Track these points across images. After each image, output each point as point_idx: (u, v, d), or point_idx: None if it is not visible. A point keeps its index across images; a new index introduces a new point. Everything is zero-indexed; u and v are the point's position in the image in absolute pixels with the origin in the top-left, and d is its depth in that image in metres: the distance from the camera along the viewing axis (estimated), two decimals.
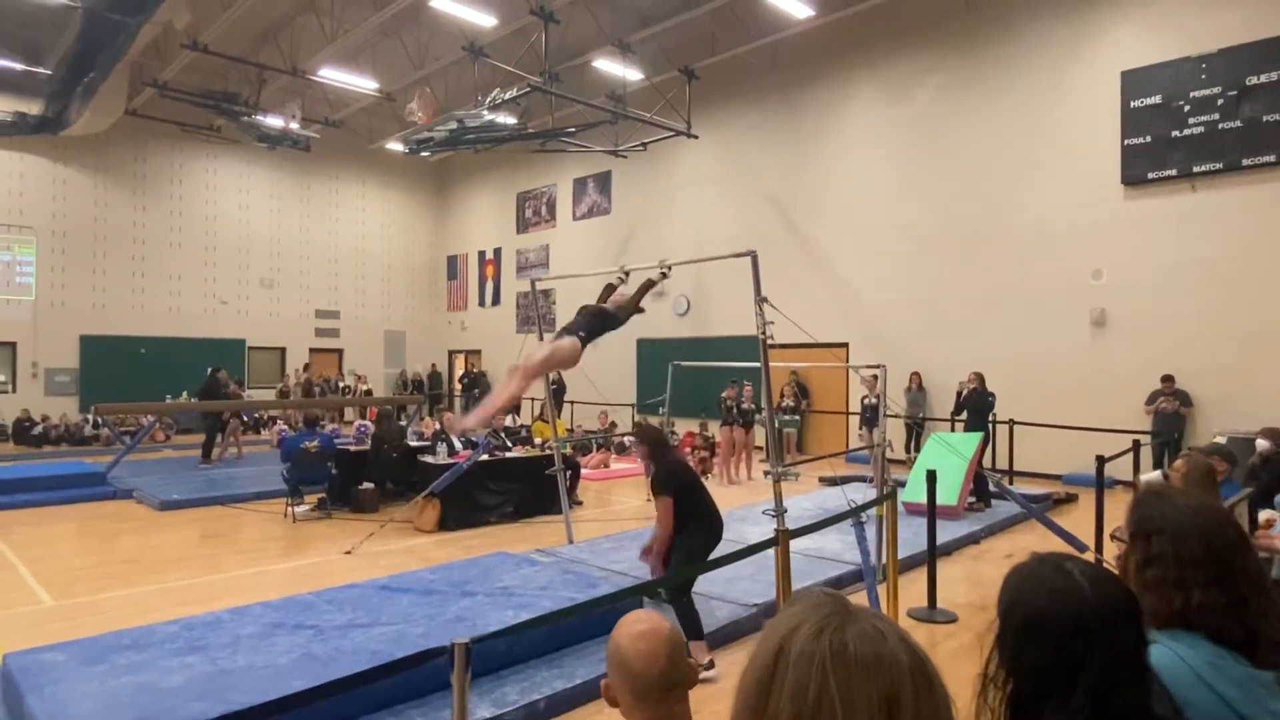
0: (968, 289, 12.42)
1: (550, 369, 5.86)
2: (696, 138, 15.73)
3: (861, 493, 8.33)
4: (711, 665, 4.36)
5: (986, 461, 9.88)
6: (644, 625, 1.44)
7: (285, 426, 15.58)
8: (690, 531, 4.58)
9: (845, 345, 13.62)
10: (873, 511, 5.77)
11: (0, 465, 12.05)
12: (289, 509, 8.86)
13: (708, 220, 16.01)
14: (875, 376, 9.62)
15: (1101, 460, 6.37)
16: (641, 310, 5.97)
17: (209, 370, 13.95)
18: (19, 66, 13.79)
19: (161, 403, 15.87)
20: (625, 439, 14.06)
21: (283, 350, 20.48)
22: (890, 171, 13.45)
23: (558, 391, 14.85)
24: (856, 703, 0.70)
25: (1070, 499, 9.59)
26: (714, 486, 11.22)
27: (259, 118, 16.05)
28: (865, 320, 13.61)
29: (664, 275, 6.38)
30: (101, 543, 7.91)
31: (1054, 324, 11.49)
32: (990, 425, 9.94)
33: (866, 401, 12.19)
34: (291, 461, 9.04)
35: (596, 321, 5.54)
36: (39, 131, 15.90)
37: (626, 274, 6.54)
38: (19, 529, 8.24)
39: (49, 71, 13.99)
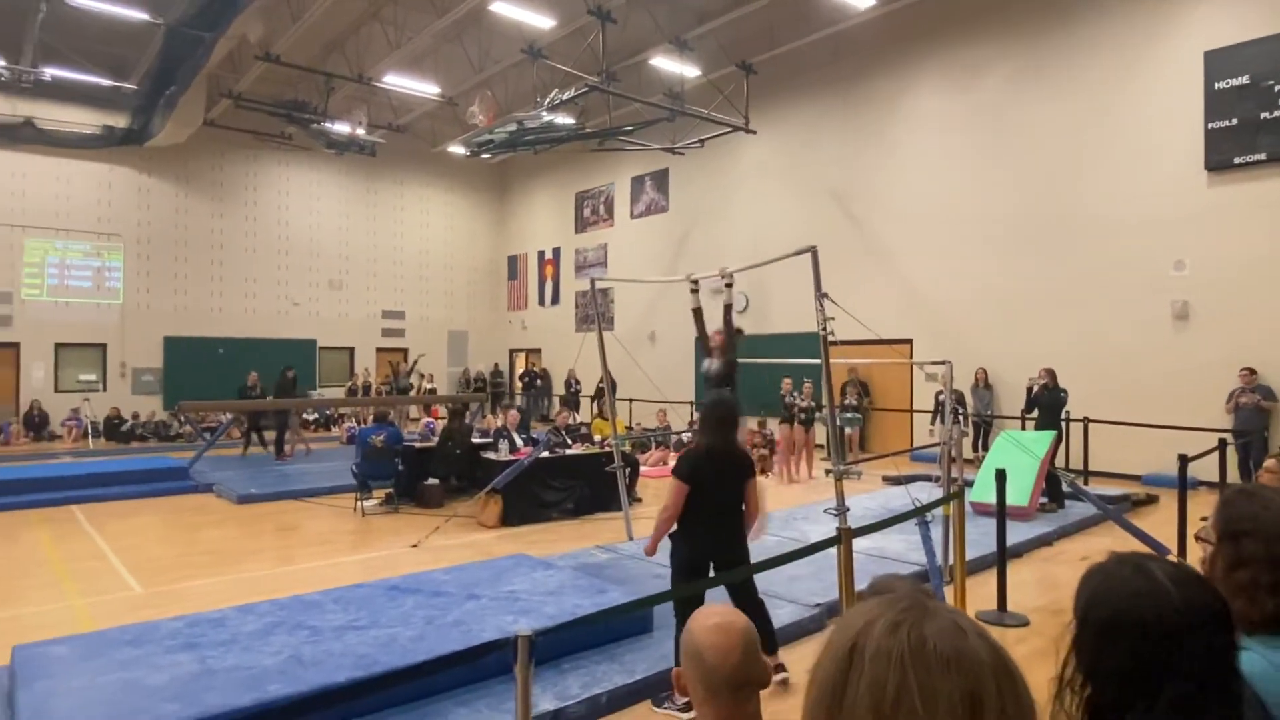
0: (1038, 282, 11.99)
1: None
2: (755, 133, 15.59)
3: (926, 492, 8.14)
4: (689, 707, 3.81)
5: (1059, 461, 9.54)
6: (719, 619, 1.42)
7: (354, 423, 16.08)
8: (682, 538, 4.09)
9: (909, 341, 13.32)
10: (939, 511, 5.63)
11: (93, 460, 12.79)
12: (358, 503, 9.14)
13: (767, 216, 15.86)
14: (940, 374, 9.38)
15: (1184, 460, 6.09)
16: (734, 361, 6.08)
17: (283, 370, 14.55)
18: (107, 82, 14.56)
19: (240, 400, 16.53)
20: (684, 436, 14.04)
21: (351, 350, 21.13)
22: (955, 162, 13.08)
23: (611, 388, 14.91)
24: (938, 700, 0.67)
25: (1150, 500, 9.18)
26: (774, 485, 11.16)
27: (327, 125, 16.58)
28: (930, 316, 13.28)
29: (728, 286, 6.35)
30: (184, 534, 8.29)
31: (1132, 317, 11.01)
32: (1063, 423, 9.59)
33: (942, 397, 11.92)
34: (361, 457, 9.33)
35: (729, 385, 5.77)
36: (125, 143, 16.77)
37: (696, 283, 6.54)
38: (110, 520, 8.71)
39: (134, 86, 14.73)
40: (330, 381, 20.30)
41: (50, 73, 13.76)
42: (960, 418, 8.98)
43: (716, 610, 1.46)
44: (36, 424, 16.40)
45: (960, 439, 6.84)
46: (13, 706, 3.57)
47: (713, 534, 4.03)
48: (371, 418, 12.02)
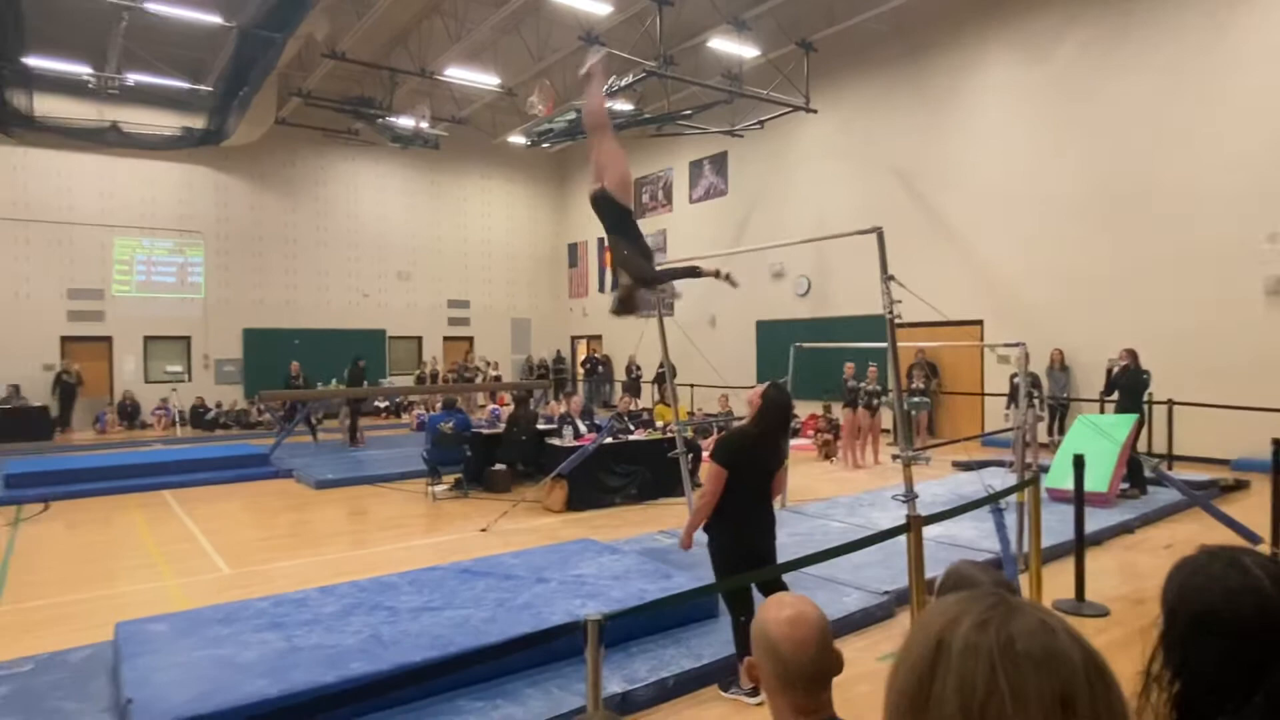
0: (1117, 258, 11.47)
1: (592, 120, 5.18)
2: (815, 112, 15.30)
3: (999, 478, 7.93)
4: (756, 691, 3.87)
5: (1141, 445, 9.15)
6: (792, 610, 1.39)
7: (424, 410, 16.51)
8: (720, 527, 3.97)
9: (979, 323, 12.94)
10: (1013, 498, 5.48)
11: (181, 447, 13.46)
12: (429, 488, 9.41)
13: (828, 197, 15.56)
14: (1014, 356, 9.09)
15: (1278, 444, 5.77)
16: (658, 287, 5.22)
17: (354, 360, 15.03)
18: (185, 85, 15.18)
19: (314, 389, 17.14)
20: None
21: (419, 339, 21.66)
22: (1027, 136, 12.59)
23: (671, 374, 14.90)
24: (1029, 700, 0.66)
25: (1240, 486, 8.74)
26: (838, 471, 11.02)
27: (392, 120, 16.95)
28: (1001, 296, 12.86)
29: (717, 276, 5.56)
30: (267, 518, 8.68)
31: (1220, 294, 10.44)
32: (1145, 406, 9.18)
33: (1017, 380, 11.55)
34: (431, 444, 9.60)
35: (637, 240, 4.98)
36: (203, 143, 17.45)
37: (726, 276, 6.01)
38: (198, 504, 9.17)
39: (210, 88, 15.32)
40: (399, 370, 20.88)
41: (133, 78, 14.43)
42: (1035, 401, 8.67)
43: (789, 600, 1.43)
44: (129, 413, 17.36)
45: (1035, 423, 6.63)
46: (117, 679, 3.82)
47: (750, 522, 3.98)
48: (440, 405, 12.31)
